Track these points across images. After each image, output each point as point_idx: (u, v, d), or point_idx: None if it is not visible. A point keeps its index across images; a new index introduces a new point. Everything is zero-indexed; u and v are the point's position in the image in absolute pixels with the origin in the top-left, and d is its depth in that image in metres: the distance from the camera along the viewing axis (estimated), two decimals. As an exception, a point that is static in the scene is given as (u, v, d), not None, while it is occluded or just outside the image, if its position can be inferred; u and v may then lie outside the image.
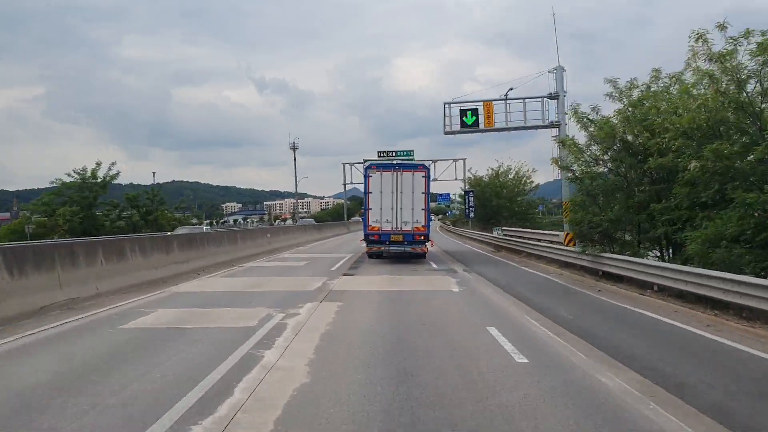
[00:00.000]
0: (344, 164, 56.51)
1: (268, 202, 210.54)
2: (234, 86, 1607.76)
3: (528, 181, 39.79)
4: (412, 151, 51.09)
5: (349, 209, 71.53)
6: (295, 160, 65.17)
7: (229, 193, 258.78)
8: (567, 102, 17.45)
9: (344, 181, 56.49)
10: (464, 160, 52.12)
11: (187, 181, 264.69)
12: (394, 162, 18.90)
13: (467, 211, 42.03)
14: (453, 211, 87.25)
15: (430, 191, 19.23)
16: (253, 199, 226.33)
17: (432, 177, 21.02)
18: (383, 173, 18.69)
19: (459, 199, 61.42)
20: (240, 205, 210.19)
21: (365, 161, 36.09)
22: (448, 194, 77.28)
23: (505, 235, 26.95)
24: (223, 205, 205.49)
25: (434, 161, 50.37)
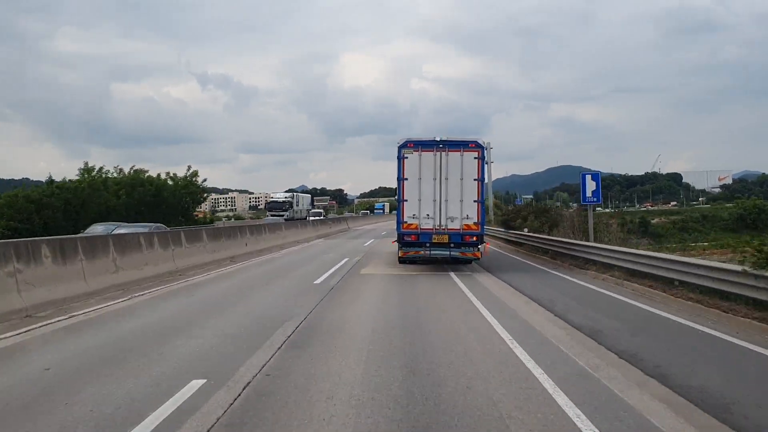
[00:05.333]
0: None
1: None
2: (175, 81, 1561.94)
3: None
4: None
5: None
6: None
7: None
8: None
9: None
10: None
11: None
12: (437, 138, 15.49)
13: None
14: None
15: (485, 177, 15.59)
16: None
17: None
18: (422, 153, 15.32)
19: None
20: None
21: None
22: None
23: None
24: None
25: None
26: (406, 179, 15.40)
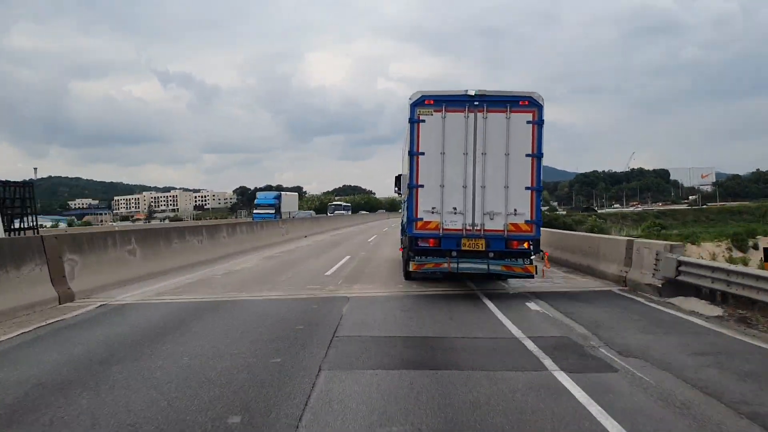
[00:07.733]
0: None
1: (118, 197, 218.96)
2: (135, 80, 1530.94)
3: None
4: None
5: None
6: None
7: (114, 189, 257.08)
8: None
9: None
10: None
11: (67, 177, 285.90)
12: (471, 93, 10.45)
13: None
14: None
15: (542, 151, 10.67)
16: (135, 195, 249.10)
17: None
18: (447, 114, 10.48)
19: None
20: (96, 202, 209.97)
21: None
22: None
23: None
24: (71, 202, 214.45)
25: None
26: (422, 154, 10.67)
